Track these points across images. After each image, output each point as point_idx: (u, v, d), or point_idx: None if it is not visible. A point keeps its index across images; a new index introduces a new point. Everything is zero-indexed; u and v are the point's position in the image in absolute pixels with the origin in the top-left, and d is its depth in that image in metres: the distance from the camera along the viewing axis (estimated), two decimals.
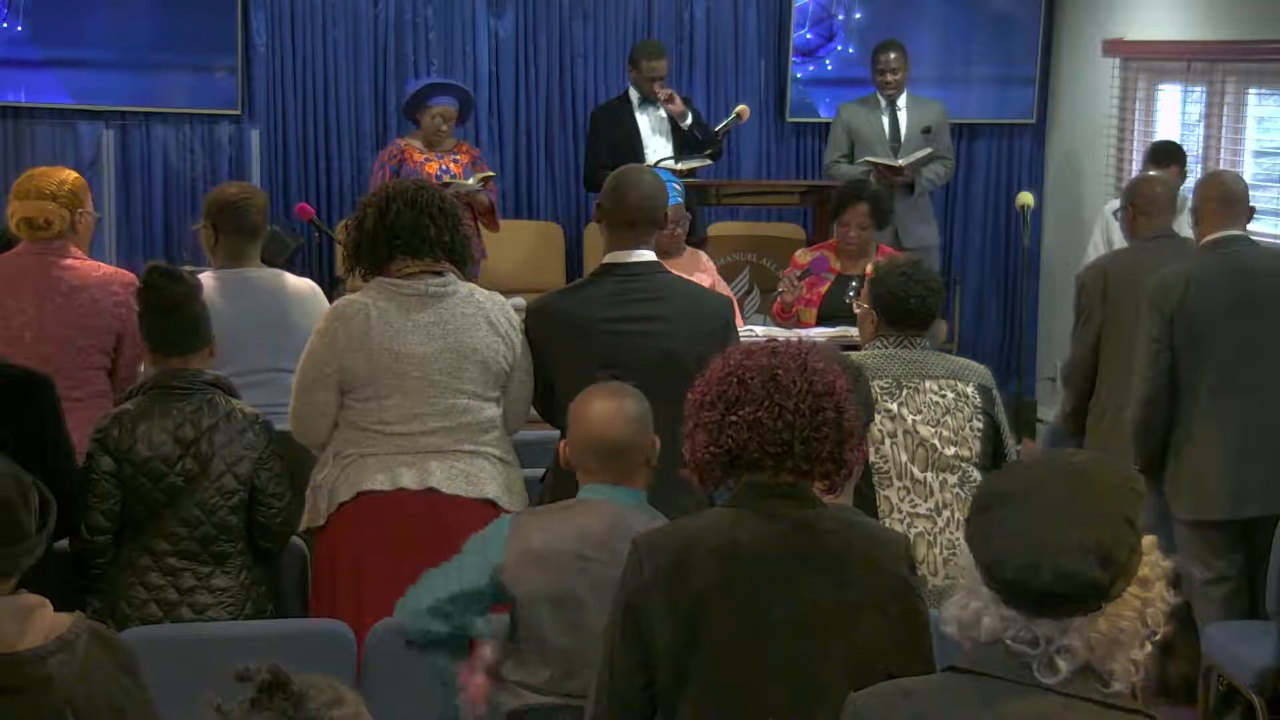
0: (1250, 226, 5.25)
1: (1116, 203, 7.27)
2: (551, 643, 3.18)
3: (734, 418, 2.60)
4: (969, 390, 4.23)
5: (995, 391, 4.34)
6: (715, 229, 8.29)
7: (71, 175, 4.92)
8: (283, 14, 8.41)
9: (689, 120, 7.80)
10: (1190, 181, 6.71)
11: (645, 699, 2.62)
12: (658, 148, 7.82)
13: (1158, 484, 5.07)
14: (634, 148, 7.75)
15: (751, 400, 2.60)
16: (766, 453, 2.59)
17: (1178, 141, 7.45)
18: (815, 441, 2.60)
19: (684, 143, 7.80)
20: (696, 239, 7.60)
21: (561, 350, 4.12)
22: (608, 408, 3.27)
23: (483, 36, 8.65)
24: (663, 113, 7.93)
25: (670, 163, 7.49)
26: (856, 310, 4.82)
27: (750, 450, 2.60)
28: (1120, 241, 6.98)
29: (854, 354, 4.18)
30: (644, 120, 7.96)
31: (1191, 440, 4.98)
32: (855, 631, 2.56)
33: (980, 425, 4.21)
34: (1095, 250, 7.29)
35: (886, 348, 4.27)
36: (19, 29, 8.05)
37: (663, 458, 3.30)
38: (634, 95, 7.99)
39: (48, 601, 2.75)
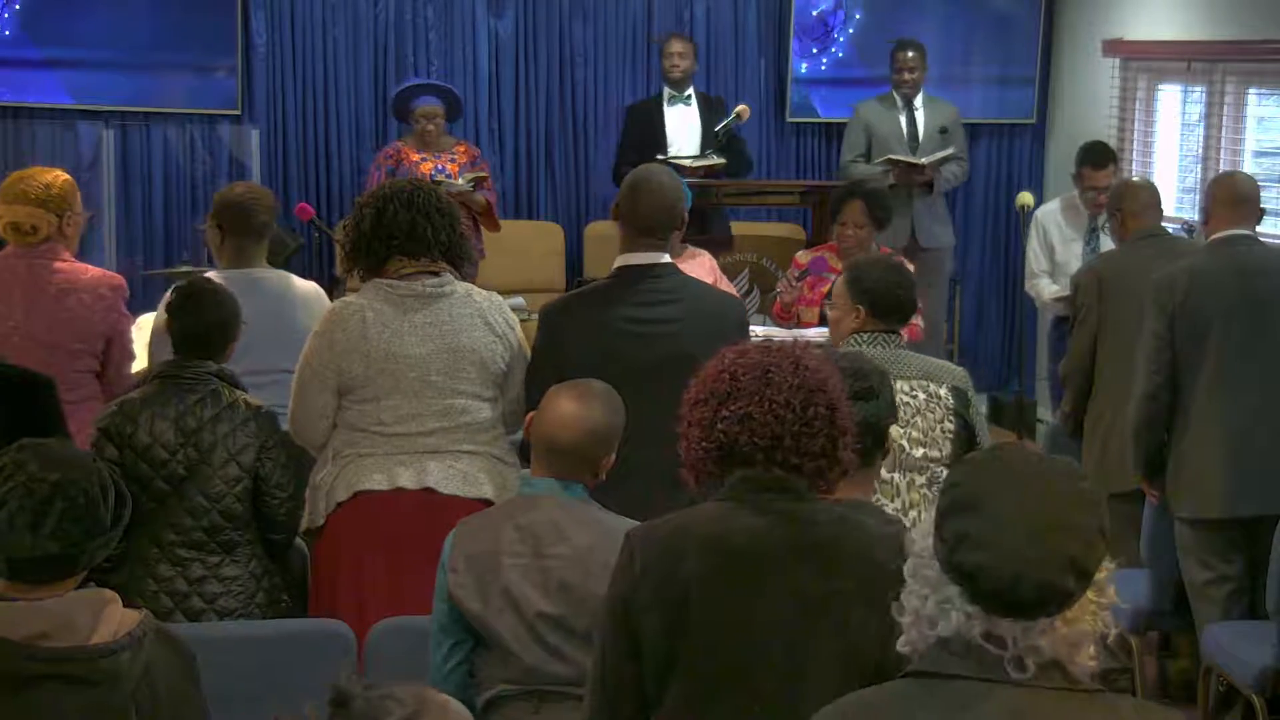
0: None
1: (1053, 205, 7.33)
2: (506, 642, 3.17)
3: (726, 413, 2.63)
4: (942, 391, 4.17)
5: (971, 394, 4.28)
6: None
7: (60, 178, 4.85)
8: (283, 14, 8.40)
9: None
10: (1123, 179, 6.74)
11: (636, 692, 2.63)
12: (683, 148, 7.79)
13: (1158, 482, 5.08)
14: (658, 146, 7.75)
15: (743, 395, 2.63)
16: (756, 446, 2.62)
17: (1110, 143, 7.57)
18: (806, 436, 2.62)
19: (709, 146, 7.74)
20: (723, 236, 7.60)
21: (578, 351, 4.09)
22: (572, 410, 3.25)
23: (483, 36, 8.65)
24: (694, 112, 7.92)
25: (686, 161, 7.47)
26: (829, 311, 4.72)
27: (741, 444, 2.62)
28: (1059, 245, 7.13)
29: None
30: (671, 119, 7.94)
31: (1192, 438, 4.97)
32: (845, 623, 2.56)
33: (952, 427, 4.15)
34: (1036, 258, 7.26)
35: (860, 345, 4.21)
36: (18, 28, 8.04)
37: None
38: (665, 93, 7.99)
39: (117, 596, 2.78)
